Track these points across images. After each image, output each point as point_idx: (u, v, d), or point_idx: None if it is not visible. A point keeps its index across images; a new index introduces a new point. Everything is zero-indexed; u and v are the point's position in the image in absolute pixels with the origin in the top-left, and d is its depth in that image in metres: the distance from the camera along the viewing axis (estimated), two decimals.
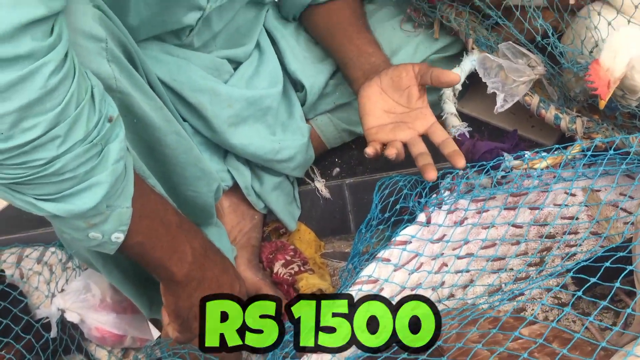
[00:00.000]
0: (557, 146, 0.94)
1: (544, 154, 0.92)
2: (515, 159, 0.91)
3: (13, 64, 0.57)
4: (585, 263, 0.75)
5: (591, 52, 0.97)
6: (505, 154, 0.92)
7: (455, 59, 1.10)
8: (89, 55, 0.70)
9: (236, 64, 1.07)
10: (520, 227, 0.98)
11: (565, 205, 0.97)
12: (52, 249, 1.07)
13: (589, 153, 0.90)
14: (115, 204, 0.69)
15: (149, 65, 0.84)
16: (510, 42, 1.02)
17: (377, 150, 0.91)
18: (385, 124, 0.93)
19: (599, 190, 1.00)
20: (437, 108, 1.03)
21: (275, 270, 1.07)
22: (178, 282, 0.80)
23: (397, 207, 0.96)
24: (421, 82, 0.92)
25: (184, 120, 0.99)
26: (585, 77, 0.89)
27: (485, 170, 0.90)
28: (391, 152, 0.89)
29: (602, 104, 0.89)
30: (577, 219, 0.98)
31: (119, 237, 0.71)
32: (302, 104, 1.11)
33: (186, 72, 0.96)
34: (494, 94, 1.02)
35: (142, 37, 0.94)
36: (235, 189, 1.07)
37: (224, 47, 1.04)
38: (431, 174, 0.85)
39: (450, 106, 1.01)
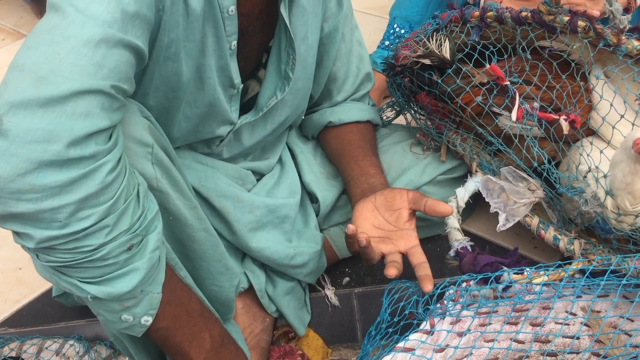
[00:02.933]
0: (558, 262, 0.99)
1: (544, 269, 0.98)
2: (516, 273, 0.96)
3: (77, 163, 0.67)
4: None
5: (585, 177, 1.06)
6: (506, 268, 0.97)
7: (460, 180, 1.19)
8: (137, 158, 0.81)
9: (259, 175, 1.17)
10: (523, 342, 1.01)
11: (566, 324, 1.00)
12: (71, 342, 1.11)
13: (589, 271, 0.95)
14: (148, 289, 0.77)
15: (183, 169, 0.94)
16: (511, 166, 1.11)
17: (375, 258, 0.97)
18: (372, 236, 0.99)
19: (599, 311, 1.04)
20: (439, 227, 1.11)
21: None
22: None
23: (406, 312, 1.00)
24: (413, 208, 1.01)
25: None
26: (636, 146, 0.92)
27: (489, 282, 0.95)
28: (391, 272, 0.94)
29: None
30: (577, 338, 1.01)
31: (147, 320, 0.78)
32: (317, 215, 1.19)
33: (213, 179, 1.06)
34: (497, 214, 1.09)
35: (178, 145, 1.05)
36: (249, 291, 1.12)
37: (250, 160, 1.14)
38: (428, 286, 0.92)
39: (453, 221, 1.07)
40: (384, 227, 1.01)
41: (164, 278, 0.79)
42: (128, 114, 0.80)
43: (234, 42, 0.95)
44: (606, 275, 0.92)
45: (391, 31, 1.64)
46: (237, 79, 1.00)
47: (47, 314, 1.20)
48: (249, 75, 1.07)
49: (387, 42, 1.65)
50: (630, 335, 1.01)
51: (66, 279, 0.73)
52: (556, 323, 1.02)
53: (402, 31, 1.61)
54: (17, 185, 0.65)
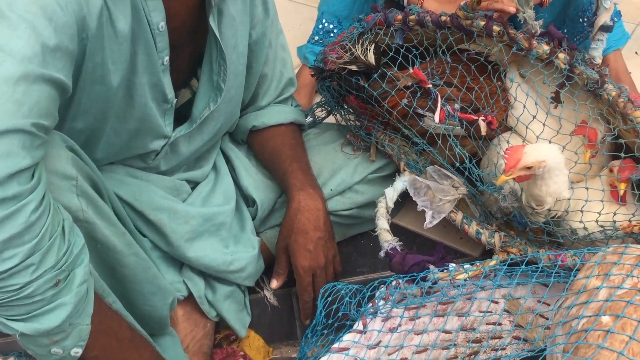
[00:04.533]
0: (477, 262, 1.06)
1: (466, 266, 1.04)
2: (441, 271, 1.03)
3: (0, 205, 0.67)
4: None
5: None
6: (432, 267, 1.04)
7: (389, 178, 1.24)
8: (61, 192, 0.81)
9: (194, 184, 1.18)
10: (450, 332, 1.08)
11: (489, 312, 1.08)
12: (11, 359, 1.10)
13: (505, 267, 1.02)
14: (77, 321, 0.78)
15: (112, 192, 0.94)
16: (437, 165, 1.17)
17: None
18: None
19: (519, 298, 1.12)
20: (371, 223, 1.16)
21: None
22: None
23: (340, 313, 1.05)
24: None
25: (144, 236, 1.08)
26: (505, 152, 1.01)
27: (416, 281, 1.01)
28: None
29: (501, 179, 1.00)
30: (499, 324, 1.09)
31: (77, 351, 0.80)
32: (253, 218, 1.22)
33: (147, 193, 1.06)
34: (425, 210, 1.15)
35: (110, 162, 1.04)
36: (189, 298, 1.14)
37: (184, 170, 1.15)
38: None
39: (383, 222, 1.13)
40: None
41: (92, 309, 0.80)
42: (50, 148, 0.79)
43: (166, 58, 0.95)
44: (522, 266, 0.99)
45: (320, 26, 1.66)
46: (170, 93, 1.00)
47: None
48: (181, 85, 1.07)
49: (316, 37, 1.66)
50: (547, 318, 1.10)
51: None
52: (480, 311, 1.10)
53: (331, 26, 1.64)
54: None
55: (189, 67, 1.07)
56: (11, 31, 0.72)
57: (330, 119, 1.39)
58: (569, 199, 1.04)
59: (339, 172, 1.25)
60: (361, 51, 1.16)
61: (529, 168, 0.99)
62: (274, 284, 1.17)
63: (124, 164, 1.08)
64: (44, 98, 0.73)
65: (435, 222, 1.15)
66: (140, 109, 0.97)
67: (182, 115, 1.08)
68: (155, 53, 0.93)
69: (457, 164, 1.14)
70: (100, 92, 0.90)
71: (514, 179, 1.00)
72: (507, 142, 1.15)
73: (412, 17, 1.18)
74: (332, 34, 1.63)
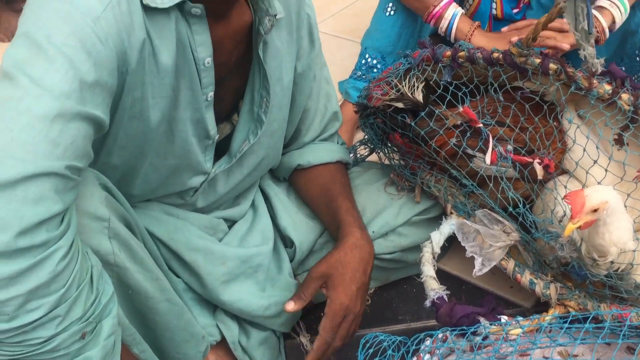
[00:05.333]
0: (534, 316, 0.98)
1: (521, 321, 0.96)
2: (493, 325, 0.95)
3: (27, 253, 0.63)
4: None
5: (560, 221, 1.05)
6: (483, 319, 0.96)
7: (435, 221, 1.18)
8: (91, 233, 0.77)
9: (231, 222, 1.14)
10: None
11: None
12: None
13: (566, 324, 0.93)
14: None
15: (146, 232, 0.90)
16: (486, 209, 1.10)
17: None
18: None
19: (576, 355, 1.03)
20: (414, 268, 1.09)
21: None
22: None
23: None
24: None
25: (177, 276, 1.03)
26: (565, 197, 0.93)
27: (466, 336, 0.94)
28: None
29: (570, 228, 0.91)
30: None
31: None
32: (291, 260, 1.16)
33: (183, 232, 1.02)
34: (473, 257, 1.08)
35: (146, 199, 1.01)
36: (222, 342, 1.09)
37: (222, 208, 1.11)
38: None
39: (429, 269, 1.06)
40: None
41: None
42: (83, 186, 0.76)
43: (211, 94, 0.92)
44: (586, 324, 0.91)
45: (363, 61, 1.62)
46: (212, 129, 0.97)
47: None
48: (222, 119, 1.04)
49: (359, 73, 1.63)
50: None
51: None
52: None
53: (374, 61, 1.60)
54: None
55: (232, 102, 1.04)
56: (48, 65, 0.69)
57: (373, 157, 1.34)
58: (634, 251, 0.96)
59: (382, 213, 1.19)
60: (408, 88, 1.11)
61: (594, 212, 0.91)
62: (291, 306, 1.01)
63: (160, 201, 1.04)
64: (80, 137, 0.69)
65: (485, 270, 1.08)
66: (181, 145, 0.94)
67: (219, 149, 1.05)
68: (200, 89, 0.90)
69: (510, 208, 1.06)
70: (139, 128, 0.87)
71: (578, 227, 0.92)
72: (565, 187, 1.07)
73: (461, 53, 1.13)
74: (375, 70, 1.59)
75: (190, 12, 0.83)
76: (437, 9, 1.44)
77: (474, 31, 1.43)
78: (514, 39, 1.40)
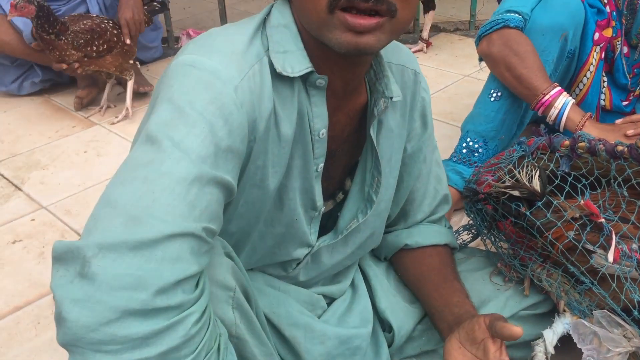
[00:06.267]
0: None
1: None
2: None
3: (163, 313, 0.63)
4: None
5: None
6: None
7: (545, 317, 1.11)
8: (218, 302, 0.76)
9: (330, 299, 1.11)
10: None
11: None
12: None
13: None
14: None
15: (259, 305, 0.88)
16: (606, 310, 1.02)
17: None
18: None
19: None
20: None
21: None
22: None
23: None
24: (492, 335, 0.92)
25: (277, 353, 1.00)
26: None
27: None
28: None
29: None
30: None
31: None
32: (389, 345, 1.11)
33: (285, 306, 1.00)
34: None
35: (249, 267, 1.00)
36: None
37: (322, 284, 1.09)
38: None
39: None
40: None
41: None
42: (212, 255, 0.76)
43: (321, 165, 0.92)
44: None
45: (463, 144, 1.60)
46: (319, 200, 0.96)
47: None
48: (328, 197, 1.03)
49: (459, 156, 1.60)
50: None
51: None
52: None
53: (476, 145, 1.57)
54: (98, 336, 0.61)
55: (340, 178, 1.04)
56: (189, 129, 0.71)
57: (476, 243, 1.29)
58: None
59: (487, 304, 1.13)
60: (525, 177, 1.07)
61: None
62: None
63: (263, 271, 1.03)
64: (214, 201, 0.70)
65: None
66: (289, 213, 0.94)
67: (322, 227, 1.04)
68: (312, 159, 0.91)
69: (635, 312, 0.98)
70: (257, 196, 0.87)
71: None
72: None
73: (581, 144, 1.09)
74: (476, 154, 1.57)
75: (315, 83, 0.85)
76: (547, 97, 1.41)
77: (585, 122, 1.39)
78: (630, 132, 1.34)
